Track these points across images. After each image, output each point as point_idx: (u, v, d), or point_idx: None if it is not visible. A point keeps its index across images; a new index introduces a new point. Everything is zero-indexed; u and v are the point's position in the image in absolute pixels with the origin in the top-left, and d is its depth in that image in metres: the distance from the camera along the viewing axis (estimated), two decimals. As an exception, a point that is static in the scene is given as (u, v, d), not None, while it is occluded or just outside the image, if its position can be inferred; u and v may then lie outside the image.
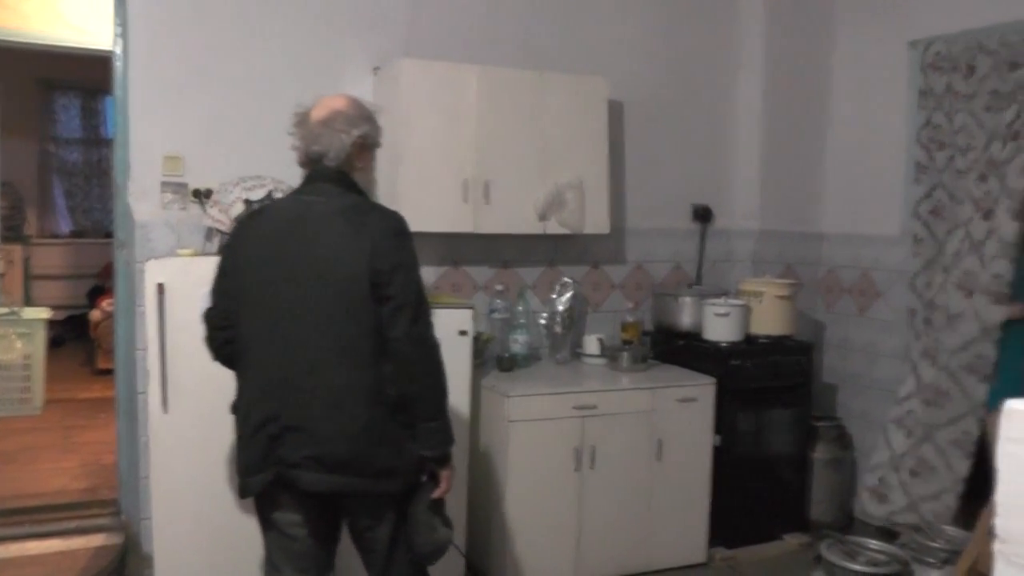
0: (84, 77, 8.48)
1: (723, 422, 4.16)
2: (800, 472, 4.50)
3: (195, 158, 3.80)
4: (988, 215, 3.89)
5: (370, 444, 2.44)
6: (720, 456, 4.16)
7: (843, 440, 4.67)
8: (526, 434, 3.73)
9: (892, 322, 4.58)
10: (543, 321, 4.43)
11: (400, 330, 2.42)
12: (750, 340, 4.36)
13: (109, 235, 4.20)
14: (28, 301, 7.60)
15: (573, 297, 4.41)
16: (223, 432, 2.61)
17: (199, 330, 2.65)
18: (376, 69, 4.05)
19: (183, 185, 3.79)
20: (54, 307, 6.91)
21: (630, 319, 4.53)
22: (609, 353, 4.33)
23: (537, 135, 4.04)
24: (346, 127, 2.52)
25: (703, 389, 4.12)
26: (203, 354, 2.66)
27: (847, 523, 4.55)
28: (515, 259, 4.47)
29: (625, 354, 4.25)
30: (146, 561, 3.63)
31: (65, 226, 9.31)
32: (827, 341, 4.98)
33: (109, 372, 4.73)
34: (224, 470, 3.31)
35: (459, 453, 3.36)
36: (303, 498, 2.49)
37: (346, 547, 2.70)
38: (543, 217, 4.06)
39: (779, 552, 4.34)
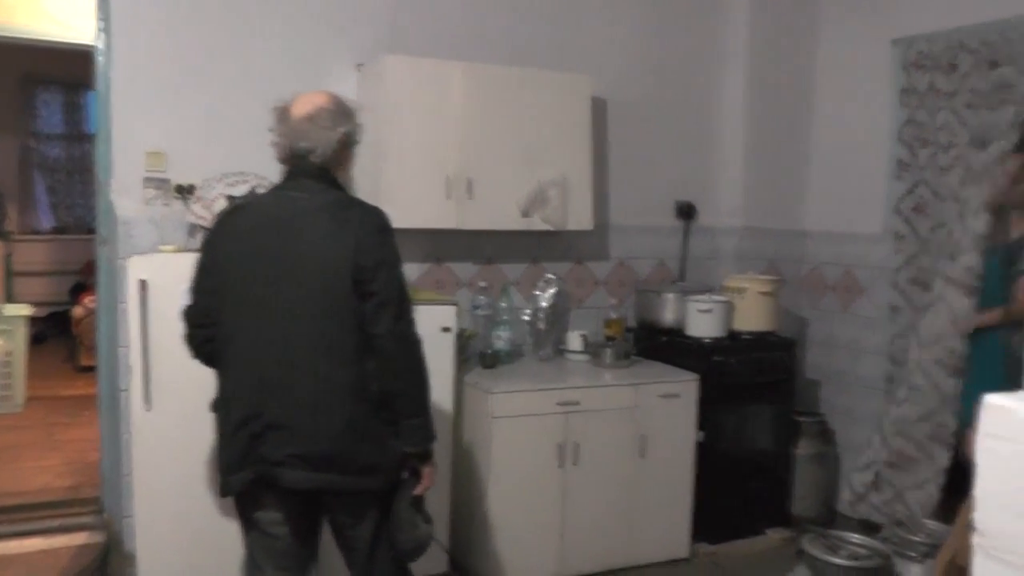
0: (66, 72, 8.43)
1: (706, 418, 4.17)
2: (783, 468, 4.52)
3: (178, 154, 3.79)
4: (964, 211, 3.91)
5: (353, 441, 2.44)
6: (703, 452, 4.17)
7: (826, 436, 4.70)
8: (509, 430, 3.73)
9: (875, 319, 4.61)
10: (526, 317, 4.43)
11: (383, 327, 2.42)
12: (733, 336, 4.38)
13: (92, 231, 4.18)
14: (10, 298, 7.55)
15: (556, 293, 4.42)
16: (206, 430, 2.60)
17: (181, 327, 2.64)
18: (359, 65, 4.04)
19: (166, 181, 3.77)
20: (36, 304, 6.90)
21: (613, 315, 4.54)
22: (592, 349, 4.35)
23: (521, 132, 4.04)
24: (331, 124, 2.51)
25: (686, 385, 4.13)
26: (186, 351, 2.65)
27: (830, 518, 4.58)
28: (498, 255, 4.47)
29: (608, 350, 4.26)
30: (128, 559, 3.61)
31: (47, 222, 9.25)
32: (811, 337, 5.01)
33: (92, 369, 4.72)
34: (207, 468, 3.30)
35: (442, 450, 3.36)
36: (285, 496, 2.49)
37: (328, 546, 2.70)
38: (526, 214, 4.06)
39: (762, 547, 4.37)
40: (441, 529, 3.54)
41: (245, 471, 2.44)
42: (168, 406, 3.30)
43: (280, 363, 2.43)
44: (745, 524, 4.40)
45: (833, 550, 3.44)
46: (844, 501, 4.47)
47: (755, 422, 4.41)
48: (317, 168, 2.52)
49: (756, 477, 4.42)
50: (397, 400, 2.49)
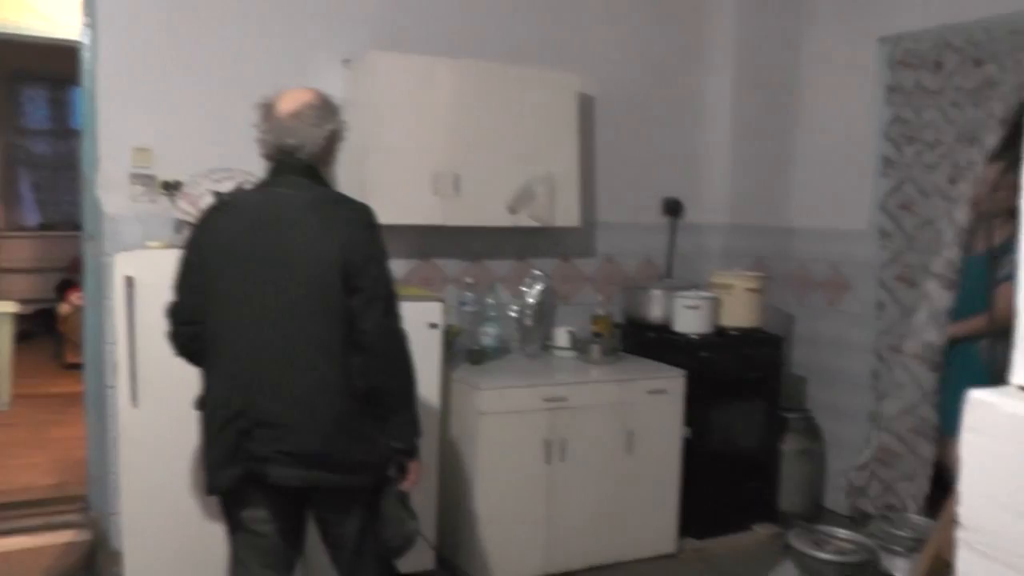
0: (52, 68, 8.37)
1: (693, 414, 4.18)
2: (770, 463, 4.54)
3: (164, 150, 3.78)
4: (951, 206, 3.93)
5: (343, 438, 2.43)
6: (690, 448, 4.19)
7: (812, 431, 4.72)
8: (496, 426, 3.74)
9: (861, 315, 4.63)
10: (513, 314, 4.44)
11: (371, 322, 2.42)
12: (720, 333, 4.40)
13: (78, 228, 4.17)
14: (-5, 295, 7.52)
15: (544, 290, 4.43)
16: (193, 427, 2.59)
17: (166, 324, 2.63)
18: (346, 61, 4.04)
19: (152, 177, 3.76)
20: (22, 301, 6.84)
21: (600, 312, 4.55)
22: (579, 346, 4.36)
23: (508, 128, 4.04)
24: (318, 121, 2.51)
25: (673, 381, 4.14)
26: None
27: (816, 513, 4.60)
28: (485, 252, 4.48)
29: (595, 347, 4.27)
30: (115, 557, 3.60)
31: (33, 219, 9.20)
32: (797, 334, 5.03)
33: (78, 366, 4.69)
34: (194, 465, 3.29)
35: (429, 446, 3.36)
36: (272, 494, 2.48)
37: (315, 544, 2.69)
38: (513, 210, 4.07)
39: (749, 542, 4.38)
40: (428, 525, 3.54)
41: (233, 468, 2.43)
42: (155, 403, 3.29)
43: (268, 360, 2.42)
44: (732, 520, 4.41)
45: (819, 545, 3.44)
46: (842, 495, 4.47)
47: (742, 418, 4.42)
48: (303, 164, 2.51)
49: (743, 473, 4.44)
50: (384, 396, 2.49)
